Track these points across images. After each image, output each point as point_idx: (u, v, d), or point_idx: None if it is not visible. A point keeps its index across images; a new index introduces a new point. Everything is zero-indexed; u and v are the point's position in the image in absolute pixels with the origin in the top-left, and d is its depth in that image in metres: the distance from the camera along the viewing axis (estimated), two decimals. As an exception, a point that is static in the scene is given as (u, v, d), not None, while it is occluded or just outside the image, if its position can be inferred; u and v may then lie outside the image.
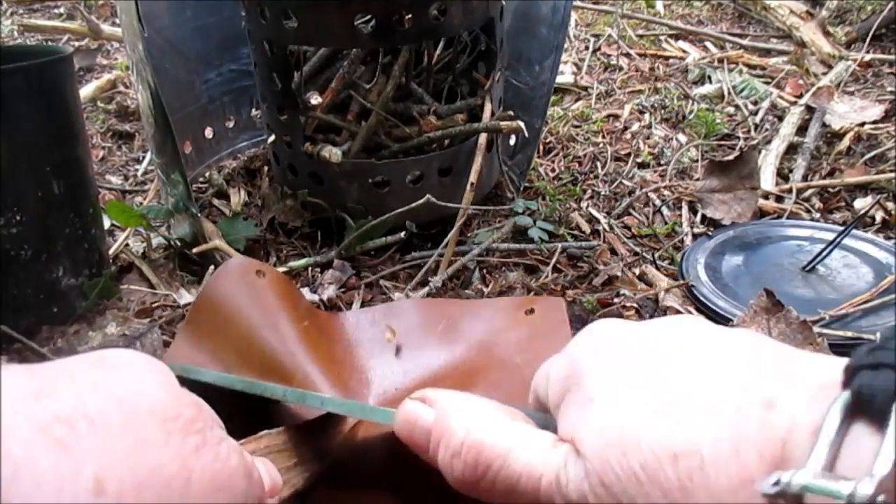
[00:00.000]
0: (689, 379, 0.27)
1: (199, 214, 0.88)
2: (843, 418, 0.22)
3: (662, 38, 1.95)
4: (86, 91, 1.50)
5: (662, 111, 1.46)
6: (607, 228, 0.99)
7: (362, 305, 0.82)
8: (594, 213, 1.04)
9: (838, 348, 0.68)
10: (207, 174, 1.15)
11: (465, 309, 0.67)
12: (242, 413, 0.41)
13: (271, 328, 0.59)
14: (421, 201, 0.87)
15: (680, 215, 1.03)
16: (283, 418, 0.47)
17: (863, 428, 0.22)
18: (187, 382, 0.44)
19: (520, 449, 0.29)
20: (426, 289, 0.82)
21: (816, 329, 0.69)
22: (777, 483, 0.22)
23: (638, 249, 0.94)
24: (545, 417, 0.32)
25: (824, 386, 0.25)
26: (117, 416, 0.25)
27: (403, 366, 0.62)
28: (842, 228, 0.88)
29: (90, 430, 0.23)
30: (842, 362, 0.25)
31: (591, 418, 0.28)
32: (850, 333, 0.71)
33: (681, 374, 0.27)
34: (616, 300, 0.80)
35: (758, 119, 1.38)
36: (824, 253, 0.84)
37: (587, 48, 1.87)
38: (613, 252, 0.94)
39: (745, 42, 1.85)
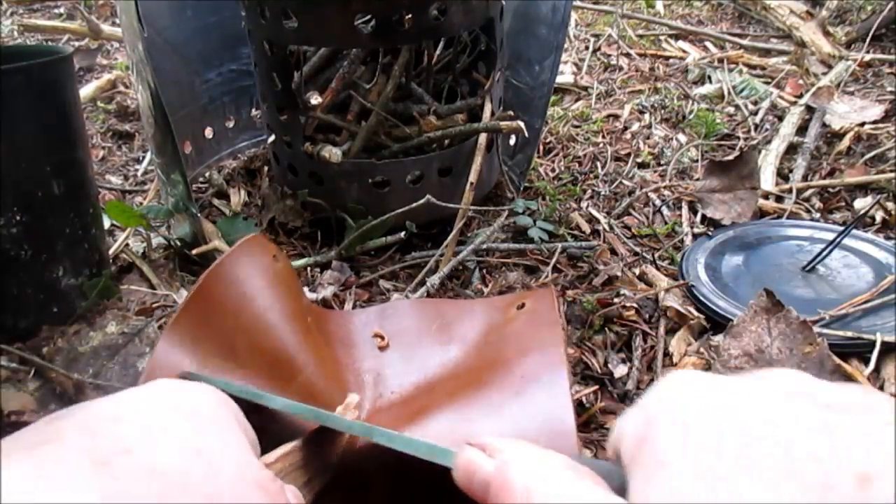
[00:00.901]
0: (774, 449, 0.24)
1: (199, 214, 0.88)
2: None
3: (662, 38, 1.95)
4: (86, 91, 1.51)
5: (662, 111, 1.46)
6: (607, 228, 0.99)
7: (361, 305, 0.82)
8: (594, 213, 1.04)
9: (838, 348, 0.69)
10: (207, 174, 1.15)
11: (459, 309, 0.67)
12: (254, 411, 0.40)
13: (282, 318, 0.58)
14: (421, 202, 0.87)
15: (680, 215, 1.03)
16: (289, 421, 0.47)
17: None
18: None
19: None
20: (424, 288, 0.82)
21: (816, 329, 0.69)
22: None
23: (638, 249, 0.94)
24: (616, 471, 0.30)
25: None
26: None
27: (397, 368, 0.62)
28: (841, 228, 0.88)
29: None
30: None
31: (660, 487, 0.26)
32: (850, 333, 0.71)
33: (765, 443, 0.25)
34: (616, 300, 0.80)
35: (758, 119, 1.38)
36: (824, 253, 0.84)
37: (587, 48, 1.87)
38: (613, 252, 0.94)
39: (745, 42, 1.86)
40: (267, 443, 0.38)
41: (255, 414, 0.39)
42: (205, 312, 0.53)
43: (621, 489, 0.28)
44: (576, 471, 0.30)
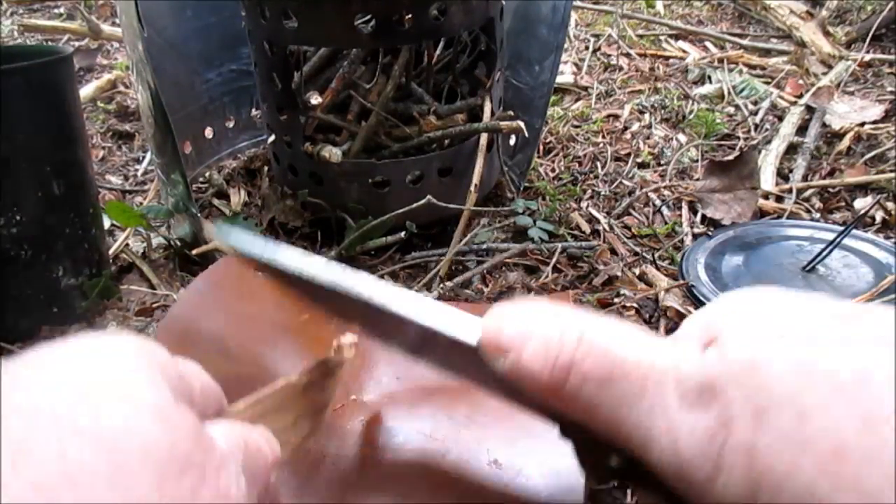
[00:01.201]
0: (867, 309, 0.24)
1: (199, 214, 0.88)
2: None
3: (662, 38, 1.95)
4: (86, 91, 1.50)
5: (662, 111, 1.46)
6: (607, 228, 0.99)
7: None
8: (594, 213, 1.04)
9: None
10: (207, 174, 1.15)
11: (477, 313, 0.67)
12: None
13: (267, 323, 0.58)
14: (422, 202, 0.87)
15: (680, 215, 1.03)
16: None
17: None
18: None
19: (635, 345, 0.25)
20: (433, 293, 0.82)
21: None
22: None
23: (638, 249, 0.94)
24: None
25: None
26: (104, 470, 0.21)
27: (397, 369, 0.62)
28: (841, 228, 0.88)
29: (74, 496, 0.21)
30: None
31: (743, 315, 0.24)
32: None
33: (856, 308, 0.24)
34: (616, 300, 0.80)
35: (758, 119, 1.38)
36: (824, 253, 0.84)
37: (587, 48, 1.87)
38: (613, 252, 0.94)
39: (745, 42, 1.86)
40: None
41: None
42: (191, 318, 0.53)
43: None
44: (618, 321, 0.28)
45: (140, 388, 0.24)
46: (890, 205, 1.01)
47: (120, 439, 0.22)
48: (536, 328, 0.27)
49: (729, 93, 1.52)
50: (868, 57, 1.63)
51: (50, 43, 1.74)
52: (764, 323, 0.24)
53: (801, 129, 1.30)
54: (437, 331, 0.32)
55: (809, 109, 1.36)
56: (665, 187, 1.11)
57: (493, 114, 0.97)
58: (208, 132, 1.13)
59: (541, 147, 1.28)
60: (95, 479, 0.21)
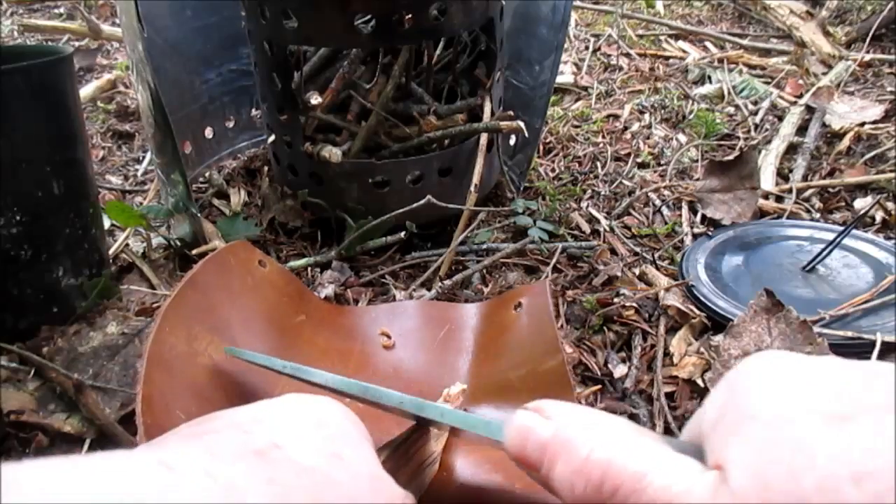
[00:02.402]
0: (871, 388, 0.23)
1: (199, 214, 0.88)
2: None
3: (662, 38, 1.95)
4: (86, 91, 1.51)
5: (662, 111, 1.46)
6: (607, 228, 0.99)
7: (360, 304, 0.82)
8: (594, 213, 1.04)
9: (838, 348, 0.69)
10: (207, 174, 1.15)
11: (461, 314, 0.67)
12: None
13: (266, 320, 0.59)
14: (421, 202, 0.87)
15: (680, 215, 1.03)
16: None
17: None
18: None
19: (656, 472, 0.26)
20: (431, 292, 0.82)
21: (817, 329, 0.69)
22: None
23: (638, 249, 0.94)
24: (687, 445, 0.28)
25: None
26: None
27: (397, 367, 0.62)
28: (841, 228, 0.88)
29: None
30: None
31: (748, 437, 0.24)
32: (850, 333, 0.71)
33: (861, 384, 0.24)
34: (616, 300, 0.80)
35: (758, 119, 1.38)
36: (824, 253, 0.85)
37: (587, 48, 1.87)
38: (613, 252, 0.94)
39: (745, 42, 1.86)
40: None
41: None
42: (197, 299, 0.53)
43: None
44: (641, 432, 0.29)
45: (360, 460, 0.31)
46: (890, 205, 1.01)
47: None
48: (562, 447, 0.29)
49: (729, 93, 1.52)
50: (868, 57, 1.63)
51: (50, 43, 1.74)
52: (770, 447, 0.23)
53: (801, 129, 1.30)
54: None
55: (809, 109, 1.36)
56: (665, 187, 1.11)
57: (493, 114, 0.97)
58: (208, 132, 1.13)
59: (541, 147, 1.28)
60: None
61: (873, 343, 0.70)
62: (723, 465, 0.24)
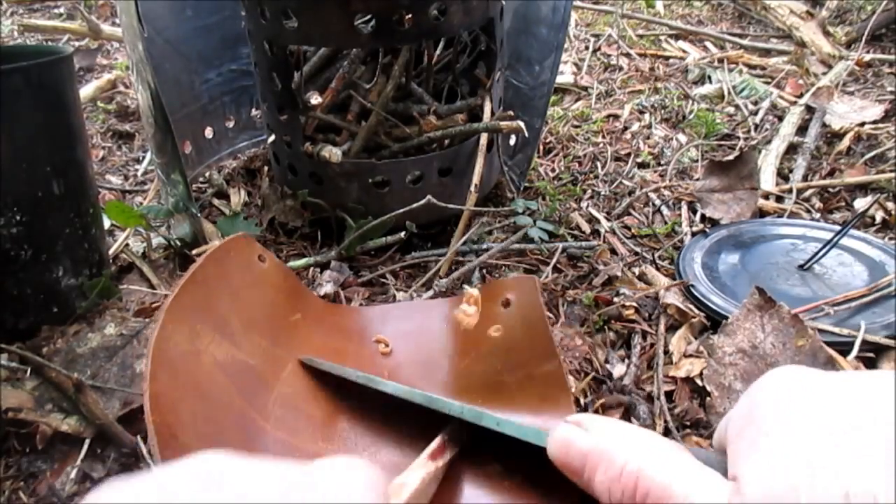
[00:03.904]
0: (872, 417, 0.26)
1: (199, 214, 0.88)
2: None
3: (662, 38, 1.95)
4: (86, 91, 1.51)
5: (662, 111, 1.46)
6: (607, 228, 0.99)
7: (362, 304, 0.82)
8: (594, 213, 1.04)
9: (835, 346, 0.69)
10: (207, 174, 1.15)
11: (450, 309, 0.67)
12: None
13: (265, 316, 0.59)
14: (421, 202, 0.87)
15: (680, 215, 1.03)
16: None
17: None
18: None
19: (682, 482, 0.29)
20: (430, 292, 0.82)
21: (814, 324, 0.70)
22: None
23: (638, 249, 0.94)
24: (712, 456, 0.32)
25: None
26: None
27: (393, 370, 0.62)
28: (833, 227, 0.88)
29: None
30: None
31: (760, 452, 0.27)
32: (845, 331, 0.72)
33: (863, 412, 0.26)
34: (616, 300, 0.80)
35: (758, 119, 1.38)
36: (822, 252, 0.85)
37: (587, 48, 1.87)
38: (613, 252, 0.94)
39: (745, 42, 1.86)
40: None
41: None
42: (199, 296, 0.53)
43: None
44: (668, 443, 0.32)
45: None
46: (890, 205, 1.01)
47: None
48: (601, 458, 0.32)
49: (729, 93, 1.52)
50: (868, 57, 1.63)
51: (50, 43, 1.74)
52: (778, 463, 0.26)
53: (801, 129, 1.30)
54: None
55: (809, 109, 1.36)
56: (665, 187, 1.11)
57: (493, 114, 0.97)
58: (208, 132, 1.13)
59: (541, 147, 1.28)
60: None
61: (870, 342, 0.70)
62: (738, 477, 0.27)
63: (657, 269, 0.89)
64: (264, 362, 0.54)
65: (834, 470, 0.24)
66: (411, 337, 0.65)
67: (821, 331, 0.71)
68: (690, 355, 0.72)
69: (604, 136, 1.35)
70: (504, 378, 0.57)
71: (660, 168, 1.22)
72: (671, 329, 0.77)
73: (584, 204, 1.08)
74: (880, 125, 1.27)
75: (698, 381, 0.68)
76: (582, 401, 0.68)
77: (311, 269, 0.89)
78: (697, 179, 1.13)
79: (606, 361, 0.73)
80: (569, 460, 0.33)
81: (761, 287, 0.70)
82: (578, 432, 0.33)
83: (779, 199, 1.08)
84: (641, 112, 1.46)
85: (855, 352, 0.69)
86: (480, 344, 0.62)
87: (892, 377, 0.28)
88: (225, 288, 0.56)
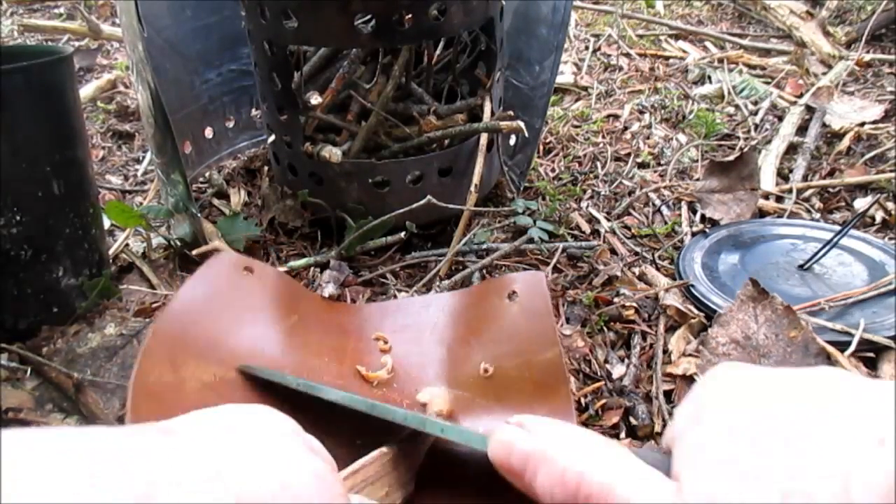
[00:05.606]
0: (808, 416, 0.26)
1: (198, 214, 0.88)
2: None
3: (662, 38, 1.95)
4: (86, 91, 1.51)
5: (662, 111, 1.46)
6: (607, 228, 0.99)
7: (358, 303, 0.82)
8: (594, 213, 1.04)
9: (837, 345, 0.69)
10: (207, 174, 1.15)
11: (450, 303, 0.67)
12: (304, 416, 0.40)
13: (252, 326, 0.58)
14: (421, 202, 0.87)
15: (680, 215, 1.03)
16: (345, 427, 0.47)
17: None
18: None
19: (625, 483, 0.29)
20: (430, 292, 0.82)
21: (813, 321, 0.70)
22: None
23: (638, 249, 0.94)
24: (656, 456, 0.31)
25: None
26: None
27: (390, 364, 0.62)
28: (833, 227, 0.88)
29: None
30: None
31: (702, 454, 0.28)
32: (838, 326, 0.72)
33: (800, 411, 0.27)
34: (616, 300, 0.80)
35: (758, 119, 1.38)
36: (822, 252, 0.85)
37: (587, 48, 1.87)
38: (613, 252, 0.94)
39: (745, 42, 1.86)
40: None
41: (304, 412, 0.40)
42: (177, 328, 0.53)
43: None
44: (609, 444, 0.32)
45: (300, 456, 0.32)
46: (890, 205, 1.01)
47: (296, 496, 0.29)
48: (542, 460, 0.31)
49: (729, 93, 1.52)
50: (868, 57, 1.63)
51: (50, 43, 1.74)
52: (715, 464, 0.27)
53: (801, 129, 1.30)
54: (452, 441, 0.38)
55: (809, 109, 1.36)
56: (665, 187, 1.11)
57: (493, 114, 0.97)
58: (208, 132, 1.13)
59: (541, 147, 1.28)
60: None
61: (869, 341, 0.70)
62: (680, 477, 0.28)
63: (657, 269, 0.89)
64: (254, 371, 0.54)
65: (772, 470, 0.25)
66: (410, 330, 0.65)
67: (819, 327, 0.71)
68: (689, 354, 0.72)
69: (604, 136, 1.35)
70: (503, 364, 0.57)
71: (660, 168, 1.22)
72: (671, 329, 0.77)
73: (584, 204, 1.08)
74: (880, 125, 1.27)
75: (697, 380, 0.68)
76: (582, 401, 0.68)
77: (312, 269, 0.89)
78: (697, 179, 1.13)
79: (606, 362, 0.73)
80: (510, 463, 0.33)
81: (755, 279, 0.70)
82: (520, 434, 0.33)
83: (779, 199, 1.08)
84: (641, 112, 1.46)
85: (852, 348, 0.69)
86: (480, 333, 0.62)
87: (831, 375, 0.29)
88: (210, 312, 0.56)
